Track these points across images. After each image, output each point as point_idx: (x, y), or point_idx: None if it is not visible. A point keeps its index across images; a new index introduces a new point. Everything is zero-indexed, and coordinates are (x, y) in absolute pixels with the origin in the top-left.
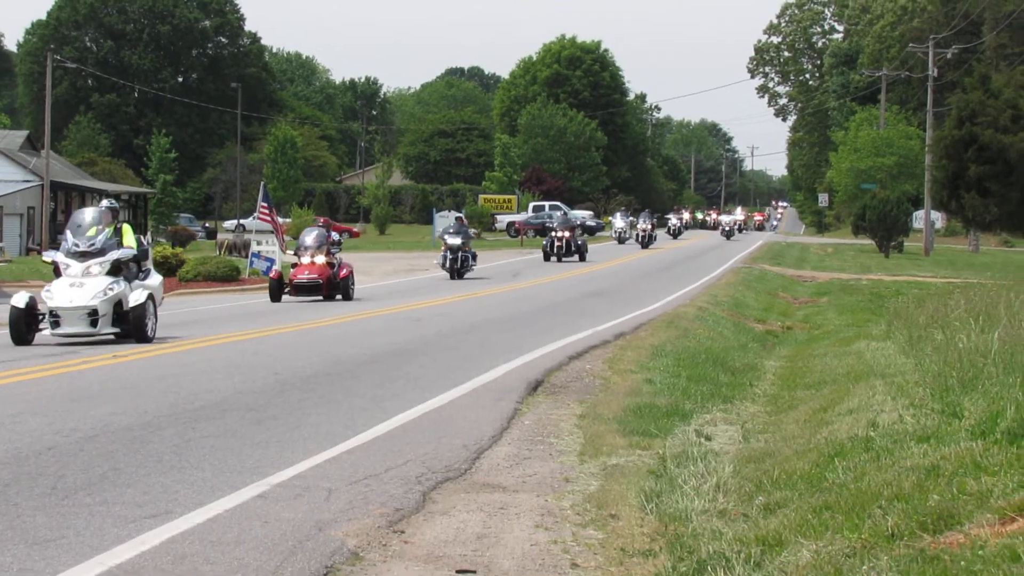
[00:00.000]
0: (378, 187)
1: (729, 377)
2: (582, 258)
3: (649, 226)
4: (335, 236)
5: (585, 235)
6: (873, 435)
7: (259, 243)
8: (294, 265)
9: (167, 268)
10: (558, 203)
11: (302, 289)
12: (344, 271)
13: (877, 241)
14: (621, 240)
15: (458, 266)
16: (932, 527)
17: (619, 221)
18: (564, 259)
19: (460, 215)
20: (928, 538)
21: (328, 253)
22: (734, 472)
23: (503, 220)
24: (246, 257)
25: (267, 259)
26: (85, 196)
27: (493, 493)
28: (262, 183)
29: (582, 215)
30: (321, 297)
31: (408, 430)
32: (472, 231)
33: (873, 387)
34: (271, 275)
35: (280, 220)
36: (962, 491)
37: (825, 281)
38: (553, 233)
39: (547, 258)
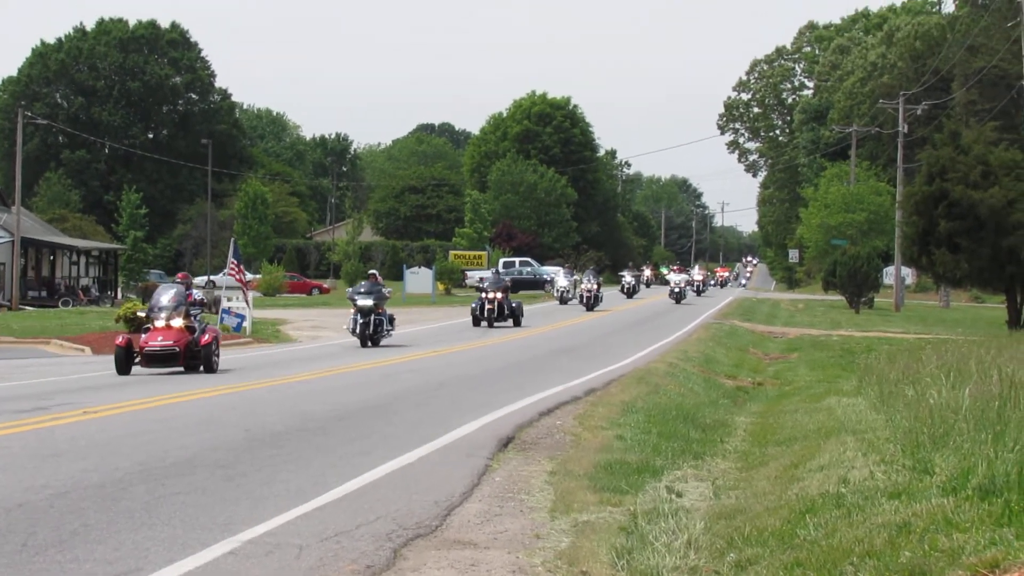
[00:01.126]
0: (348, 243)
1: (700, 433)
2: (516, 322)
3: (594, 285)
4: (196, 295)
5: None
6: (844, 491)
7: (230, 299)
8: (146, 329)
9: (137, 324)
10: (529, 259)
11: (154, 359)
12: (207, 337)
13: (848, 297)
14: (563, 300)
15: (370, 331)
16: None
17: (561, 279)
18: (496, 324)
19: (374, 272)
20: None
21: (187, 316)
22: (705, 529)
23: (473, 276)
24: (217, 313)
25: (238, 315)
26: (56, 252)
27: (464, 550)
28: (232, 239)
29: (552, 271)
30: (180, 368)
31: (379, 486)
32: (387, 290)
33: (844, 443)
34: (118, 342)
35: (250, 276)
36: (934, 548)
37: (796, 337)
38: (483, 295)
39: (476, 323)
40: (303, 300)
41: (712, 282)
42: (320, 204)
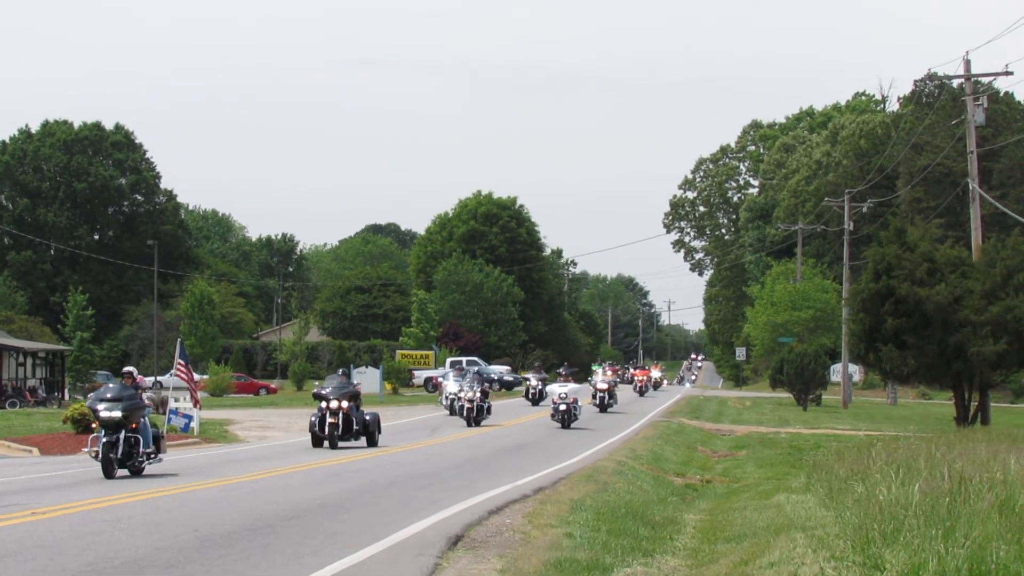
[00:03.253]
0: (295, 343)
1: (649, 531)
2: (371, 441)
3: (477, 393)
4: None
5: (373, 412)
6: None
7: (177, 400)
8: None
9: (84, 425)
10: (476, 358)
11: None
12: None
13: (795, 394)
14: (453, 410)
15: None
16: None
17: (451, 384)
18: (342, 444)
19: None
20: None
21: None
22: None
23: (420, 375)
24: (164, 414)
25: (185, 416)
26: (3, 354)
27: None
28: (179, 340)
29: (499, 370)
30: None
31: None
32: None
33: (794, 540)
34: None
35: (197, 377)
36: None
37: (744, 434)
38: (324, 404)
39: (316, 442)
40: (250, 400)
41: (631, 386)
42: (266, 304)
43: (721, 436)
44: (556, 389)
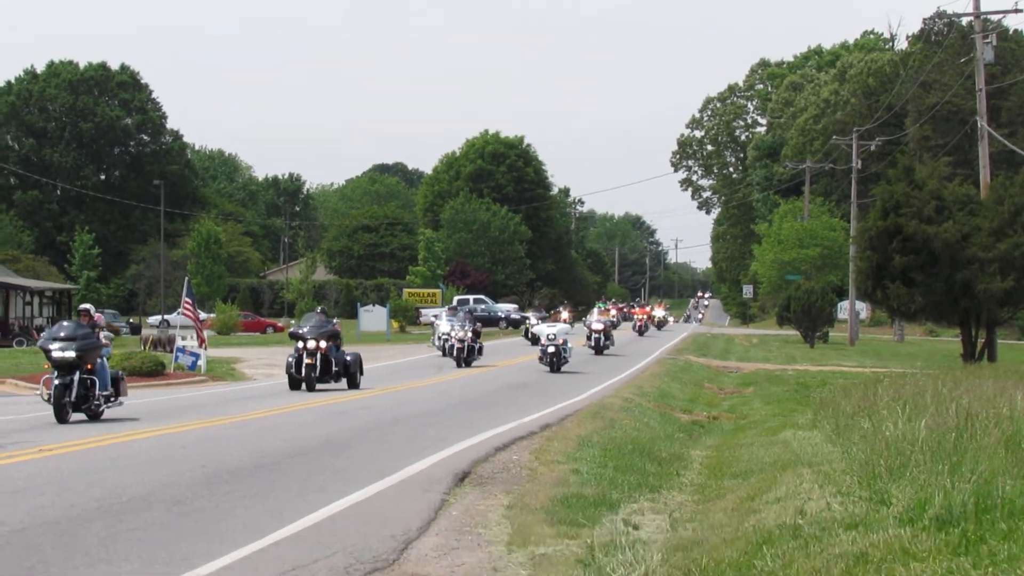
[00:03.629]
0: (302, 282)
1: (656, 467)
2: (352, 383)
3: (468, 333)
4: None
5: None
6: (801, 523)
7: (184, 338)
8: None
9: None
10: (483, 297)
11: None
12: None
13: (802, 332)
14: (445, 352)
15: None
16: None
17: (443, 324)
18: (320, 386)
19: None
20: None
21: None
22: (662, 561)
23: (427, 314)
24: (171, 352)
25: (192, 354)
26: (9, 293)
27: None
28: (186, 279)
29: (506, 308)
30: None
31: (336, 521)
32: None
33: (800, 475)
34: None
35: (203, 315)
36: None
37: (750, 372)
38: (300, 344)
39: (293, 384)
40: (257, 339)
41: (621, 325)
42: (273, 243)
43: (728, 373)
44: (544, 330)
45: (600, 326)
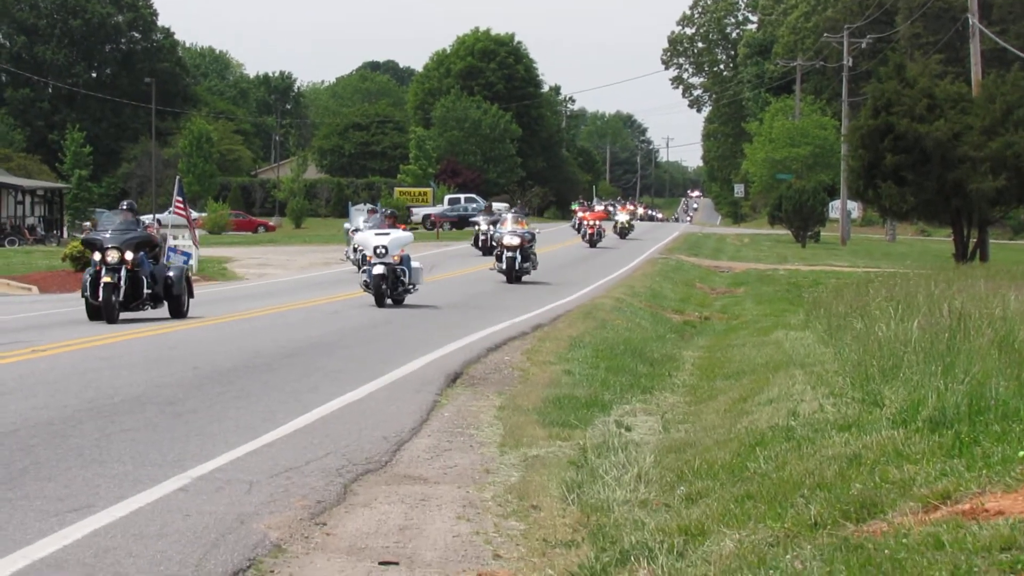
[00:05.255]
0: (293, 181)
1: (648, 368)
2: (176, 310)
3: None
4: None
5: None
6: (794, 424)
7: (175, 237)
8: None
9: (83, 263)
10: (474, 195)
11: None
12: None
13: (793, 231)
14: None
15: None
16: (855, 515)
17: (363, 231)
18: (127, 315)
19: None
20: (851, 527)
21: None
22: (655, 462)
23: (419, 213)
24: (162, 252)
25: (184, 253)
26: (1, 192)
27: (414, 485)
28: (177, 178)
29: (498, 207)
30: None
31: (328, 423)
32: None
33: (793, 376)
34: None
35: (195, 215)
36: (884, 479)
37: (742, 271)
38: (98, 256)
39: (92, 314)
40: (249, 238)
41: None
42: (264, 142)
43: (719, 273)
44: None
45: (515, 241)
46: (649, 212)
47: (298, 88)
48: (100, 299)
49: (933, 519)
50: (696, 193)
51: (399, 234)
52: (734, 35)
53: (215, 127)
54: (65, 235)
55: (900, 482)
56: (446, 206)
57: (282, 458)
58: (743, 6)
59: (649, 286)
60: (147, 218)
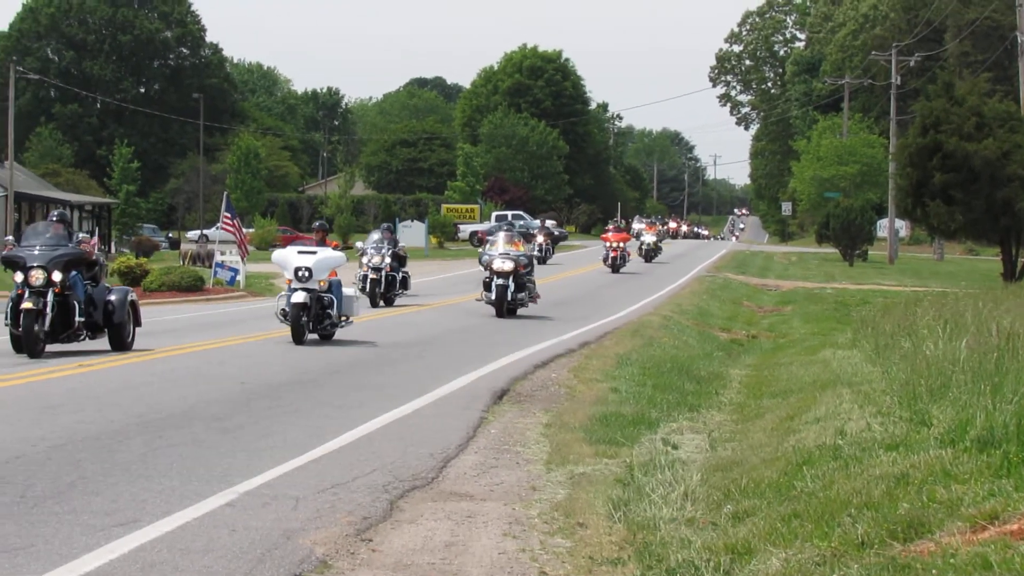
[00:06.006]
0: (340, 197)
1: (695, 386)
2: (117, 342)
3: (387, 260)
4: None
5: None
6: (841, 443)
7: (223, 253)
8: None
9: (131, 278)
10: (521, 212)
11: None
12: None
13: (841, 250)
14: (365, 286)
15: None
16: (902, 535)
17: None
18: (53, 348)
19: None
20: (898, 546)
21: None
22: (702, 480)
23: (466, 230)
24: (210, 267)
25: (231, 269)
26: (49, 207)
27: (460, 501)
28: (225, 193)
29: (548, 223)
30: None
31: (374, 439)
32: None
33: (840, 395)
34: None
35: (244, 230)
36: (932, 499)
37: (789, 290)
38: (20, 276)
39: (16, 345)
40: None
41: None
42: (312, 158)
43: (767, 291)
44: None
45: (507, 265)
46: (695, 229)
47: (346, 104)
48: (20, 326)
49: (981, 539)
50: (743, 211)
51: (329, 253)
52: (782, 53)
53: (263, 143)
54: (113, 250)
55: (948, 502)
56: (493, 223)
57: (328, 474)
58: (791, 24)
59: (696, 304)
60: (193, 234)
